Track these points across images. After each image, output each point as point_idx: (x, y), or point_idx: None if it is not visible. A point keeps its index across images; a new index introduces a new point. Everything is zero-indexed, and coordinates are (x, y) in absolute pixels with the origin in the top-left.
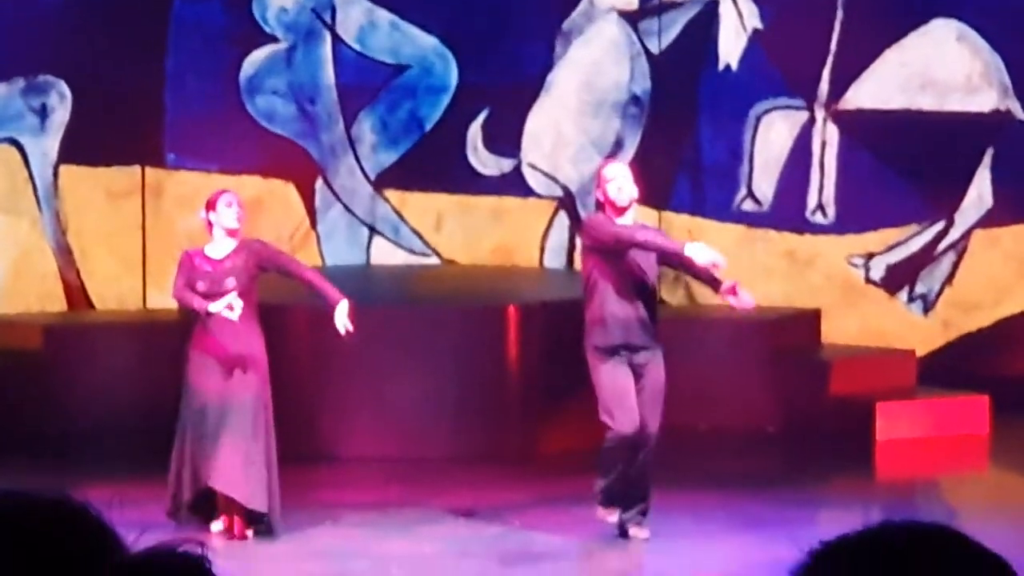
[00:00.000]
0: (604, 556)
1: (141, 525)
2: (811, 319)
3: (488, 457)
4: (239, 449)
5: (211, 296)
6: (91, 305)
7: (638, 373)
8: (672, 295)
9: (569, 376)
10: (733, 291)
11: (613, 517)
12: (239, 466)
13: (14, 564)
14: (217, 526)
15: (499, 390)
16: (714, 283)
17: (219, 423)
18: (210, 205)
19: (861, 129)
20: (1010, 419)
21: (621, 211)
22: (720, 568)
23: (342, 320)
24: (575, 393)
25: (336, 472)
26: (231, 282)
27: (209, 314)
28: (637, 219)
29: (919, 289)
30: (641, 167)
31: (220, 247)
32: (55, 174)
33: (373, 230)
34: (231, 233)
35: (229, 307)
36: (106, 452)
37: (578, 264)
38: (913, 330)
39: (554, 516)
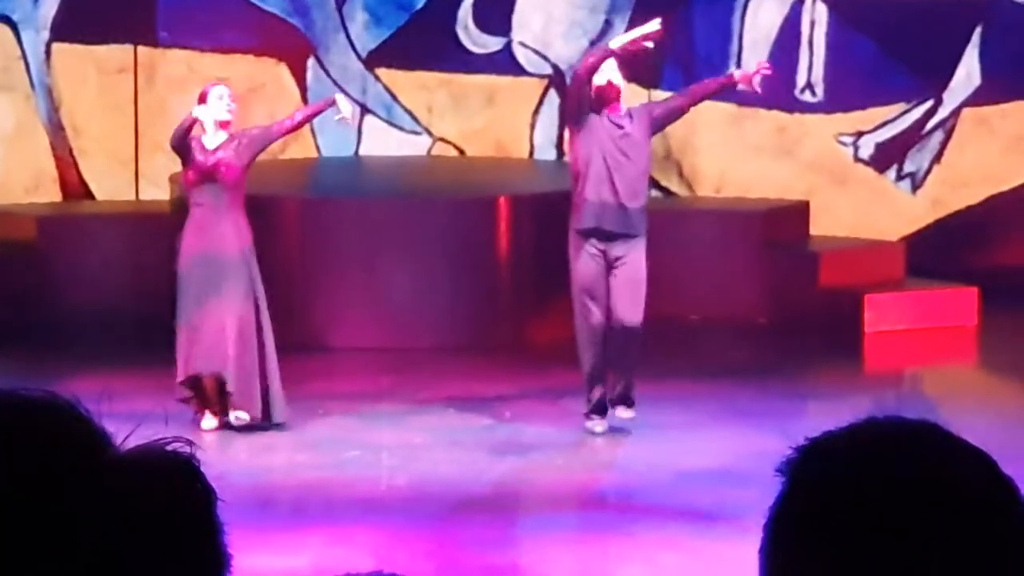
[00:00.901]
0: (593, 446)
1: (132, 418)
2: (801, 211)
3: (478, 348)
4: (235, 341)
5: (201, 184)
6: (83, 181)
7: (614, 265)
8: (668, 179)
9: (559, 266)
10: (746, 77)
11: (600, 427)
12: (244, 361)
13: None
14: (210, 422)
15: (490, 281)
16: (726, 84)
17: (221, 317)
18: (202, 98)
19: (850, 8)
20: (998, 310)
21: (610, 102)
22: (709, 458)
23: (347, 108)
24: (565, 284)
25: (327, 362)
26: (224, 170)
27: (191, 127)
28: (627, 106)
29: (908, 167)
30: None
31: (213, 139)
32: (48, 52)
33: (365, 109)
34: (223, 125)
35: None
36: (99, 343)
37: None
38: (902, 208)
39: (544, 407)
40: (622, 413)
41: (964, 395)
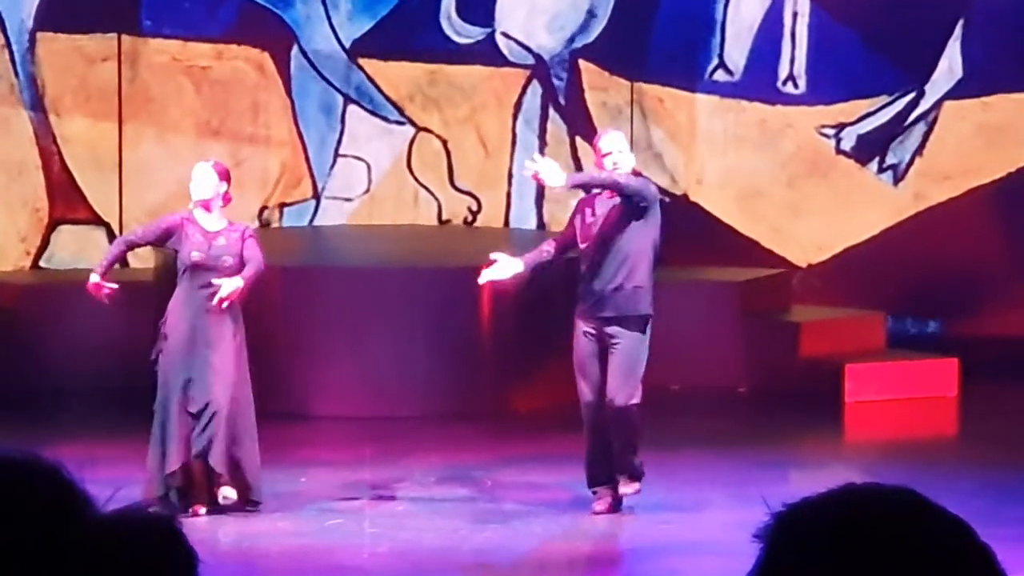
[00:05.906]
0: (575, 516)
1: (115, 483)
2: (782, 281)
3: (461, 416)
4: (231, 429)
5: (206, 268)
6: (66, 168)
7: (608, 344)
8: (650, 171)
9: (541, 336)
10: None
11: (601, 505)
12: (233, 447)
13: None
14: (230, 492)
15: (472, 350)
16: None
17: (209, 402)
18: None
19: (832, 0)
20: (978, 381)
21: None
22: (690, 528)
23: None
24: (547, 353)
25: (310, 431)
26: (228, 260)
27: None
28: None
29: (890, 159)
30: (613, 38)
31: (210, 219)
32: (32, 40)
33: (348, 98)
34: (202, 205)
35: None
36: (81, 412)
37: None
38: (883, 200)
39: (526, 475)
40: (623, 488)
41: (944, 465)
